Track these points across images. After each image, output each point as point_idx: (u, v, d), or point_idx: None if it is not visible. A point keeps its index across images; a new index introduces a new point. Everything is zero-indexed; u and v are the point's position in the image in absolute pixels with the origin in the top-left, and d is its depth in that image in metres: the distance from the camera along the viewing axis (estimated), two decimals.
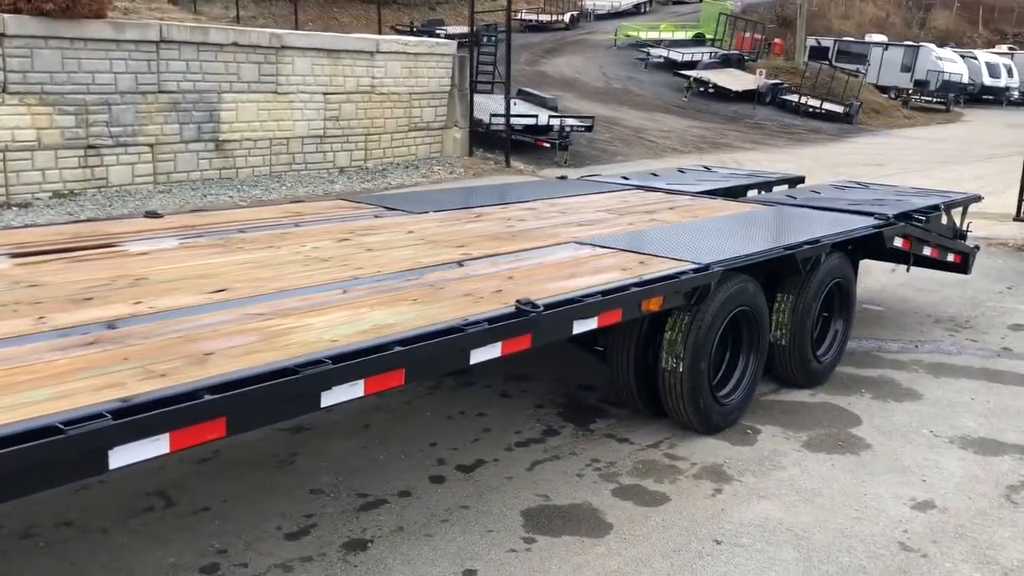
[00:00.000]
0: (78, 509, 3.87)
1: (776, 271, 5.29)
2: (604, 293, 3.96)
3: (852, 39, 39.38)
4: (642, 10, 44.59)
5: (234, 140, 12.94)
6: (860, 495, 4.33)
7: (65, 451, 2.26)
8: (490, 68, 20.01)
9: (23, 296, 3.45)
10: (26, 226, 9.13)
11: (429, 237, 4.98)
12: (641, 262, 4.53)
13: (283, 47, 13.32)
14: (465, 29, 19.79)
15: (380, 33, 22.06)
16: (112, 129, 11.57)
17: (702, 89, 28.89)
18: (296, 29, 20.89)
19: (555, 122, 17.79)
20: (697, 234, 5.43)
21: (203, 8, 23.24)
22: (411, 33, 26.21)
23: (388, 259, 4.34)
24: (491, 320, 3.42)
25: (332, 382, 2.87)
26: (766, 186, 8.26)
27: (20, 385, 2.51)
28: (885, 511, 4.18)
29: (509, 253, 4.66)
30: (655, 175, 8.59)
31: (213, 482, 4.18)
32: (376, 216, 5.66)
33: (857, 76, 31.29)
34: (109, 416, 2.34)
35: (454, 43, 16.77)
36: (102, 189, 11.58)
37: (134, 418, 2.39)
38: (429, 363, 3.27)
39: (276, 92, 13.34)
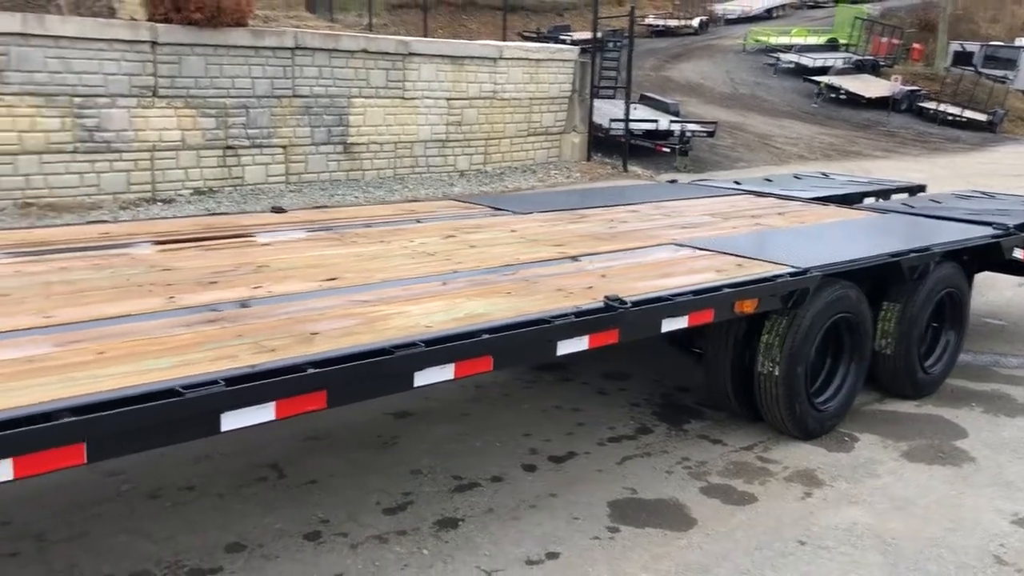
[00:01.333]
0: (200, 476, 4.24)
1: (882, 279, 5.22)
2: (696, 292, 4.04)
3: (1000, 44, 37.37)
4: (774, 15, 43.63)
5: (361, 143, 13.51)
6: (957, 507, 4.25)
7: (183, 412, 2.55)
8: (613, 73, 20.10)
9: (157, 278, 3.82)
10: (165, 219, 9.85)
11: (530, 236, 5.17)
12: (738, 264, 4.59)
13: (410, 54, 13.82)
14: (591, 35, 19.93)
15: (505, 39, 22.45)
16: (249, 131, 12.29)
17: (833, 95, 28.08)
18: (425, 36, 21.52)
19: (675, 127, 17.72)
20: (800, 239, 5.42)
21: (338, 16, 24.23)
22: (537, 39, 26.53)
23: (488, 255, 4.55)
24: (578, 314, 3.57)
25: (424, 364, 3.09)
26: (884, 194, 8.07)
27: (149, 353, 2.84)
28: (982, 524, 4.10)
29: (606, 252, 4.79)
30: (768, 180, 8.52)
31: (321, 458, 4.49)
32: (483, 215, 5.89)
33: (1004, 83, 29.72)
34: (223, 383, 2.62)
35: (576, 49, 16.96)
36: (238, 187, 12.31)
37: (244, 386, 2.66)
38: (516, 351, 3.44)
39: (402, 97, 13.84)
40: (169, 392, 2.53)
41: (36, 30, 10.39)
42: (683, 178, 11.07)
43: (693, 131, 18.15)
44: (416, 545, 3.73)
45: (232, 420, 2.66)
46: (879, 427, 5.18)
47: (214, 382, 2.61)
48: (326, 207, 8.65)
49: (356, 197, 12.67)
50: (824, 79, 28.74)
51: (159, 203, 11.42)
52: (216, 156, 12.09)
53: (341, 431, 4.81)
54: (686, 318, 4.01)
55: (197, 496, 4.06)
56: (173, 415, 2.52)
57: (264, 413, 2.72)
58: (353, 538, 3.76)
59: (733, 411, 5.08)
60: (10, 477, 2.29)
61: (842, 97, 27.95)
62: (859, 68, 31.24)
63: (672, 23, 38.02)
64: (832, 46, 34.40)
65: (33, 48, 10.37)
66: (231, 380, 2.65)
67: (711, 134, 18.60)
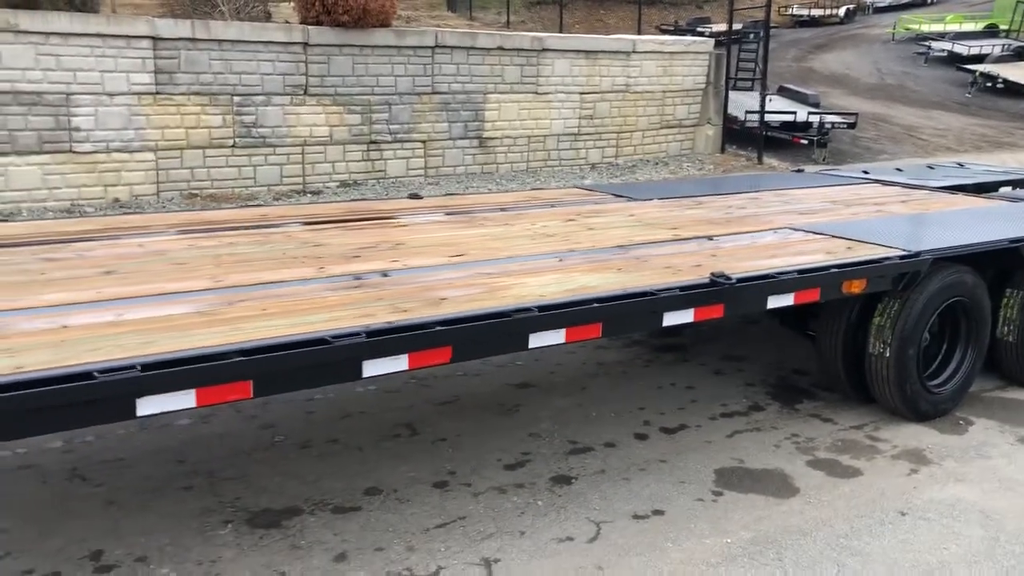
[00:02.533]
0: (342, 431, 4.74)
1: (1005, 266, 5.21)
2: (801, 271, 4.23)
3: None
4: (928, 1, 41.66)
5: (496, 137, 14.01)
6: None
7: (332, 358, 3.00)
8: (751, 65, 19.88)
9: (309, 252, 4.34)
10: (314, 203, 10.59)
11: (646, 220, 5.44)
12: (849, 247, 4.72)
13: (544, 50, 14.21)
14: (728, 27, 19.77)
15: (640, 33, 22.57)
16: (391, 127, 12.98)
17: (989, 84, 26.64)
18: (561, 32, 21.91)
19: (814, 119, 17.40)
20: (918, 224, 5.46)
21: (477, 14, 24.95)
22: (674, 32, 26.46)
23: (604, 237, 4.87)
24: (684, 288, 3.84)
25: (538, 327, 3.44)
26: (1022, 184, 7.86)
27: (303, 311, 3.31)
28: None
29: (719, 235, 5.01)
30: (899, 170, 8.43)
31: (450, 420, 4.92)
32: (605, 202, 6.19)
33: None
34: (364, 335, 3.06)
35: (711, 41, 16.91)
36: (380, 180, 13.03)
37: (382, 339, 3.09)
38: (624, 320, 3.75)
39: (536, 92, 14.25)
40: (320, 341, 2.98)
41: (202, 35, 11.36)
42: (820, 170, 10.99)
43: (832, 122, 17.77)
44: (532, 496, 4.09)
45: (372, 368, 3.09)
46: (998, 413, 5.18)
47: (357, 334, 3.05)
48: (457, 194, 9.12)
49: (489, 189, 13.17)
50: (980, 67, 27.33)
51: (308, 194, 12.25)
52: (360, 150, 12.84)
53: (468, 398, 5.24)
54: (792, 296, 4.20)
55: (340, 448, 4.56)
56: (323, 360, 2.97)
57: (398, 363, 3.14)
58: (476, 488, 4.16)
59: (845, 392, 5.19)
60: (193, 405, 2.78)
61: (999, 86, 26.48)
62: (1020, 55, 29.50)
63: (817, 12, 36.95)
64: (991, 32, 32.60)
65: (200, 51, 11.35)
66: (371, 333, 3.08)
67: (852, 125, 18.15)
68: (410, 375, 5.41)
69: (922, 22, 34.41)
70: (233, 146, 11.81)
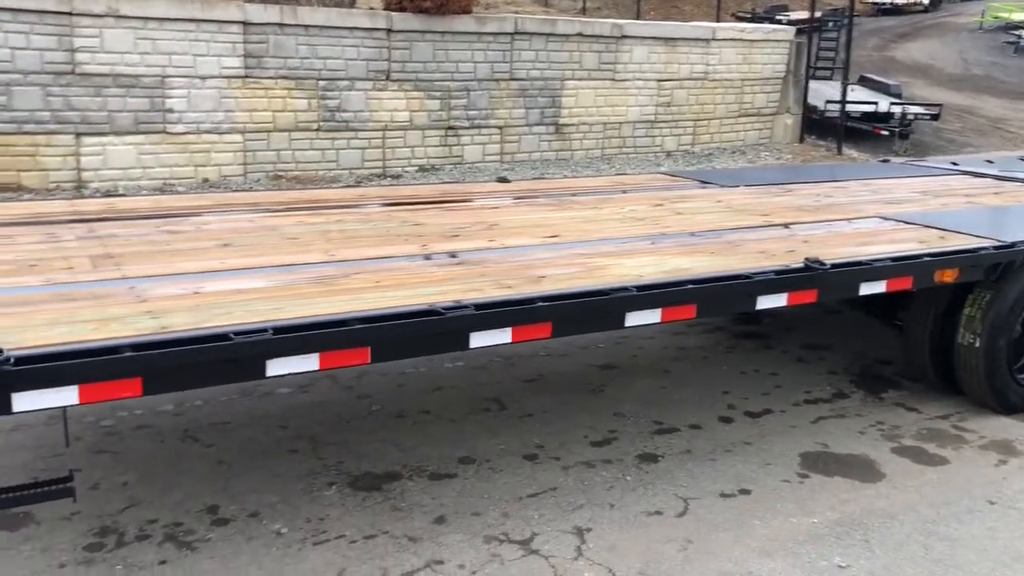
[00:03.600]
0: (435, 403, 4.93)
1: None
2: (895, 259, 4.26)
3: None
4: None
5: (572, 124, 14.09)
6: None
7: (442, 328, 3.16)
8: (831, 54, 19.56)
9: (410, 231, 4.52)
10: (408, 185, 10.83)
11: (735, 206, 5.50)
12: (941, 237, 4.72)
13: (623, 36, 14.22)
14: (808, 15, 19.49)
15: (718, 20, 22.32)
16: (469, 112, 13.16)
17: None
18: (638, 19, 21.82)
19: (896, 109, 17.06)
20: (1013, 216, 5.41)
21: (553, 1, 24.97)
22: (751, 20, 26.11)
23: (693, 222, 4.95)
24: (778, 272, 3.91)
25: (635, 307, 3.55)
26: None
27: (413, 284, 3.49)
28: None
29: (810, 222, 5.05)
30: (990, 162, 8.29)
31: (537, 397, 5.06)
32: (691, 188, 6.26)
33: None
34: (472, 308, 3.22)
35: (792, 29, 16.69)
36: (457, 165, 13.23)
37: (488, 312, 3.24)
38: (718, 302, 3.84)
39: (613, 79, 14.28)
40: (432, 312, 3.14)
41: (290, 20, 11.67)
42: (905, 161, 10.83)
43: (915, 114, 17.41)
44: (620, 472, 4.21)
45: (478, 340, 3.25)
46: None
47: (466, 307, 3.20)
48: (543, 178, 9.25)
49: (565, 175, 13.27)
50: None
51: (388, 178, 12.51)
52: (439, 136, 13.05)
53: (554, 376, 5.38)
54: (884, 283, 4.23)
55: (434, 418, 4.74)
56: (435, 330, 3.14)
57: (503, 336, 3.29)
58: (564, 461, 4.30)
59: (931, 383, 5.19)
60: (316, 367, 2.97)
61: None
62: None
63: (900, 0, 36.03)
64: None
65: (287, 36, 11.66)
66: (479, 306, 3.23)
67: (935, 117, 17.74)
68: (494, 352, 5.58)
69: (1012, 10, 33.25)
70: (317, 129, 12.12)
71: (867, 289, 4.20)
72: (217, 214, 4.70)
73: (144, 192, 10.57)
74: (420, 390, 5.09)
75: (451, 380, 5.26)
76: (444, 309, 3.15)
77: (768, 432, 4.72)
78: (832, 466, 4.35)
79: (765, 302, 3.91)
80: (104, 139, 10.73)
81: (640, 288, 3.55)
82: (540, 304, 3.35)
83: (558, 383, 5.29)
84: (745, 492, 4.06)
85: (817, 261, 4.03)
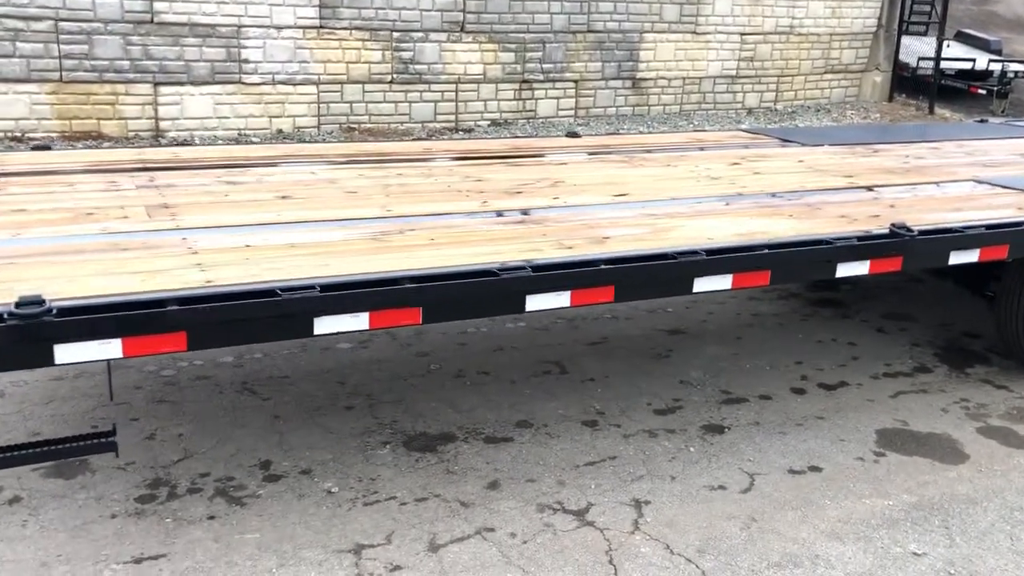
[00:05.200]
0: (494, 364, 4.81)
1: None
2: (989, 227, 3.95)
3: None
4: None
5: (649, 78, 13.68)
6: None
7: (498, 290, 3.02)
8: (927, 7, 18.55)
9: (472, 186, 4.37)
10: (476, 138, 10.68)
11: (817, 167, 5.19)
12: None
13: None
14: None
15: None
16: (544, 66, 12.87)
17: None
18: None
19: (995, 67, 16.13)
20: None
21: None
22: None
23: (773, 182, 4.68)
24: (861, 238, 3.65)
25: (704, 272, 3.35)
26: None
27: (469, 242, 3.35)
28: None
29: (897, 185, 4.73)
30: None
31: (599, 361, 4.91)
32: (771, 147, 5.95)
33: None
34: (529, 269, 3.06)
35: None
36: (530, 120, 12.99)
37: (547, 274, 3.09)
38: (795, 269, 3.61)
39: (694, 32, 13.79)
40: (487, 272, 3.00)
41: None
42: (1004, 122, 10.22)
43: (1016, 71, 16.43)
44: (684, 443, 4.04)
45: (535, 302, 3.10)
46: None
47: (523, 268, 3.05)
48: (617, 133, 8.98)
49: (640, 131, 12.92)
50: None
51: (460, 131, 12.35)
52: (512, 89, 12.81)
53: (619, 339, 5.21)
54: (977, 252, 3.93)
55: (493, 380, 4.63)
56: (489, 292, 3.00)
57: (561, 299, 3.14)
58: (626, 429, 4.14)
59: (1023, 361, 4.86)
60: (366, 327, 2.87)
61: None
62: None
63: None
64: None
65: None
66: (537, 268, 3.08)
67: None
68: (557, 315, 5.43)
69: None
70: (391, 82, 12.00)
71: (958, 258, 3.91)
72: (280, 166, 4.62)
73: (220, 142, 10.64)
74: (480, 350, 4.98)
75: (512, 341, 5.13)
76: (499, 270, 3.01)
77: (843, 406, 4.48)
78: (911, 445, 4.10)
79: (845, 269, 3.66)
80: (181, 89, 10.81)
81: (710, 252, 3.35)
82: (602, 267, 3.18)
83: (623, 348, 5.12)
84: (816, 469, 3.85)
85: (904, 227, 3.75)
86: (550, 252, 3.25)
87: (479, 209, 3.89)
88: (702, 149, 5.73)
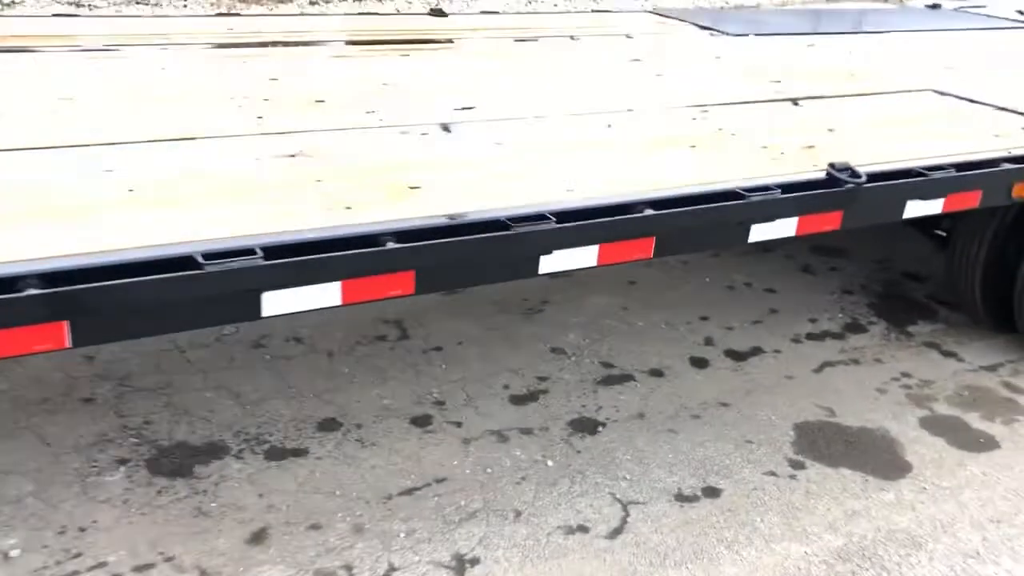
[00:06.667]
0: (312, 326, 3.67)
1: None
2: (959, 167, 2.89)
3: None
4: None
5: None
6: None
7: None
8: None
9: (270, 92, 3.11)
10: None
11: (741, 66, 4.03)
12: None
13: None
14: None
15: None
16: None
17: None
18: None
19: None
20: None
21: None
22: None
23: (676, 90, 3.52)
24: (787, 187, 2.55)
25: (556, 244, 2.23)
26: None
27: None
28: None
29: (837, 97, 3.63)
30: None
31: (454, 320, 3.81)
32: (683, 34, 4.75)
33: None
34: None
35: None
36: None
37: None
38: (689, 235, 2.49)
39: None
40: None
41: None
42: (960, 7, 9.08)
43: None
44: (541, 451, 3.01)
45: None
46: None
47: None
48: (491, 11, 7.50)
49: (528, 5, 11.46)
50: None
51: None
52: None
53: (486, 288, 4.08)
54: (941, 201, 2.89)
55: (303, 352, 3.51)
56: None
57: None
58: (467, 430, 3.09)
59: (975, 315, 3.93)
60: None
61: None
62: None
63: None
64: None
65: None
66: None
67: None
68: None
69: None
70: None
71: (916, 209, 2.86)
72: None
73: None
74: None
75: None
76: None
77: (754, 386, 3.51)
78: (837, 448, 3.14)
79: (762, 232, 2.58)
80: None
81: (563, 217, 2.20)
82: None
83: (487, 299, 4.02)
84: (712, 493, 2.87)
85: (847, 169, 2.66)
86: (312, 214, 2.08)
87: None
88: (594, 36, 4.50)
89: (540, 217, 2.18)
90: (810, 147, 2.91)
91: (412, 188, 2.30)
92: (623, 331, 3.83)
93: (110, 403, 3.08)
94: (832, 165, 2.66)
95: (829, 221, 2.69)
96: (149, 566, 2.40)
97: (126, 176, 2.22)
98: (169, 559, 2.43)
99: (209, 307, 1.94)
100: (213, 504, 2.65)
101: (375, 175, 2.38)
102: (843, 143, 2.97)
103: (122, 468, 2.77)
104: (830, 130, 3.16)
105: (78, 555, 2.42)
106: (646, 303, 4.08)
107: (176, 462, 2.82)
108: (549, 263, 2.22)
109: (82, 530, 2.51)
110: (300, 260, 1.91)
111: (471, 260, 2.12)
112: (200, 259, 1.82)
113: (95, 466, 2.77)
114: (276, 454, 2.89)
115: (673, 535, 2.67)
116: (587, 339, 3.74)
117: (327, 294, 2.02)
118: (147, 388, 3.18)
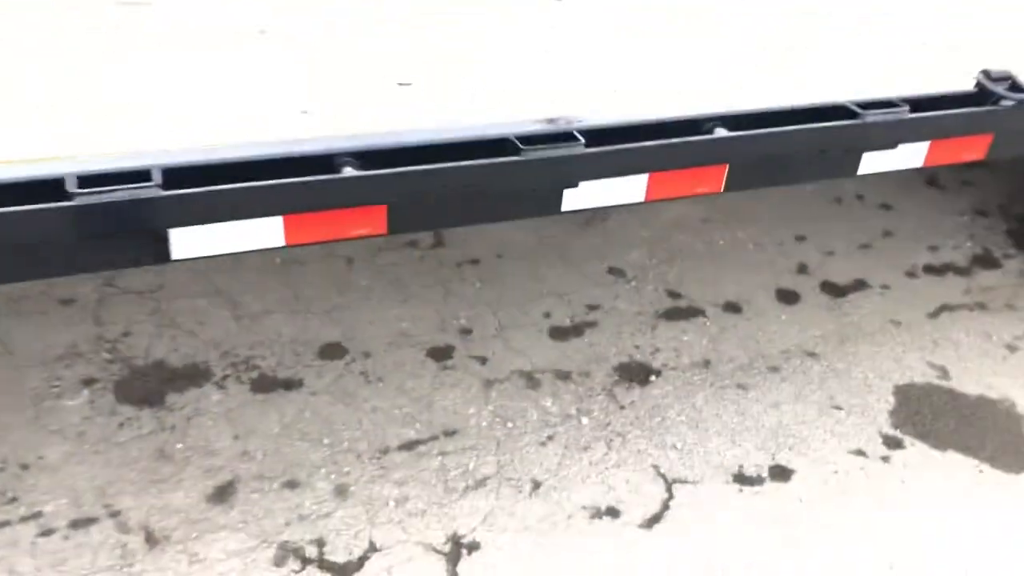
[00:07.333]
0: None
1: None
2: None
3: None
4: None
5: None
6: None
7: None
8: None
9: None
10: None
11: None
12: None
13: None
14: None
15: None
16: None
17: None
18: None
19: None
20: None
21: None
22: None
23: None
24: (916, 103, 1.87)
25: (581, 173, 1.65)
26: None
27: None
28: None
29: None
30: None
31: (498, 225, 3.26)
32: None
33: None
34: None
35: None
36: None
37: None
38: (782, 163, 1.86)
39: None
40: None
41: None
42: None
43: None
44: (577, 403, 2.51)
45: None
46: None
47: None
48: None
49: None
50: None
51: None
52: None
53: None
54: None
55: (320, 255, 3.03)
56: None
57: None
58: (493, 369, 2.61)
59: None
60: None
61: None
62: None
63: None
64: None
65: None
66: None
67: None
68: None
69: None
70: None
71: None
72: None
73: None
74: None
75: None
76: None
77: (853, 331, 2.92)
78: (947, 423, 2.55)
79: (876, 162, 1.93)
80: None
81: (591, 135, 1.61)
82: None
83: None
84: (780, 475, 2.36)
85: (1006, 78, 1.95)
86: None
87: None
88: None
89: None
90: (953, 49, 2.18)
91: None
92: (698, 251, 3.23)
93: (90, 307, 2.70)
94: (985, 73, 1.95)
95: (972, 148, 2.01)
96: (89, 521, 2.04)
97: None
98: (114, 514, 2.07)
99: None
100: (179, 445, 2.26)
101: None
102: (999, 44, 2.22)
103: (86, 391, 2.40)
104: (982, 27, 2.39)
105: (12, 500, 2.08)
106: (732, 214, 3.43)
107: (148, 387, 2.43)
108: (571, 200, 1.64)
109: (24, 467, 2.16)
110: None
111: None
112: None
113: (56, 386, 2.41)
114: (264, 384, 2.48)
115: (724, 532, 2.16)
116: (653, 259, 3.16)
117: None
118: (135, 290, 2.79)
